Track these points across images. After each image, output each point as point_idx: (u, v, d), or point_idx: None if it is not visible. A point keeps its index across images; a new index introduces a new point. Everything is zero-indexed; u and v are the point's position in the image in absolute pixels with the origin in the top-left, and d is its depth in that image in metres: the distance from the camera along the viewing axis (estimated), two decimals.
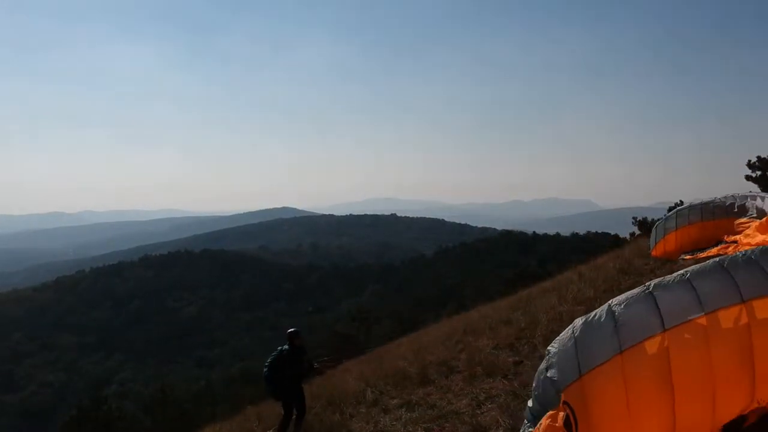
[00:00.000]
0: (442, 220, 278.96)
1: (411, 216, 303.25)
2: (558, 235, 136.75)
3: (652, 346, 4.01)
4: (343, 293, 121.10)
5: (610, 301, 4.25)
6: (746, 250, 4.32)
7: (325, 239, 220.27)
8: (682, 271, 4.23)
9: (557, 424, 4.15)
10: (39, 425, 69.36)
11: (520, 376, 8.22)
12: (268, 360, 9.42)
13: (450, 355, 11.00)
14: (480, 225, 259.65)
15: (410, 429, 7.79)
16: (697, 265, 4.29)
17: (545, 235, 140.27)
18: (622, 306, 4.16)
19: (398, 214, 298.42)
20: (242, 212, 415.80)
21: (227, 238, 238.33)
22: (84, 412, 33.77)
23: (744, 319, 4.02)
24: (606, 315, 4.18)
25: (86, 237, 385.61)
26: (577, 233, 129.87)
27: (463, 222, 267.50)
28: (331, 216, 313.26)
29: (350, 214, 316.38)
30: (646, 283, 4.23)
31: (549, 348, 4.43)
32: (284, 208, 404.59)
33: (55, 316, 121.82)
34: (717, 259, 4.28)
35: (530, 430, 4.51)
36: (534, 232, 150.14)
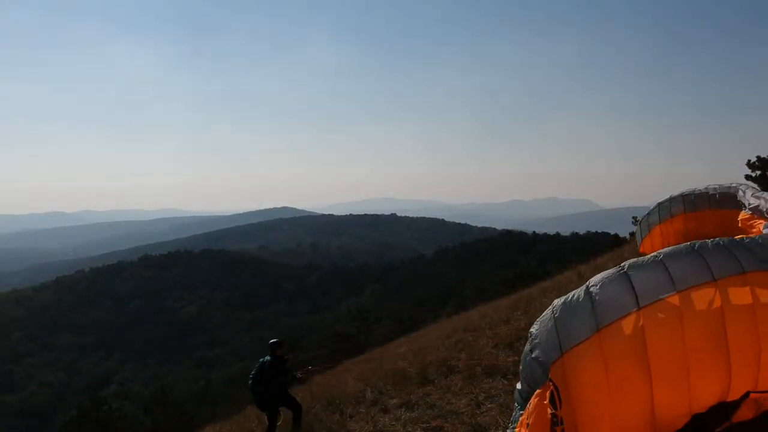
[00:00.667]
0: (442, 220, 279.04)
1: (411, 216, 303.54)
2: (558, 235, 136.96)
3: (628, 324, 4.08)
4: (343, 293, 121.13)
5: (587, 282, 4.31)
6: (715, 239, 4.42)
7: (325, 239, 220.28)
8: (655, 253, 4.31)
9: (545, 402, 4.21)
10: (39, 425, 69.32)
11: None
12: (252, 373, 9.46)
13: (450, 355, 11.00)
14: (480, 225, 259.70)
15: (410, 429, 7.79)
16: (669, 248, 4.37)
17: (545, 235, 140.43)
18: (598, 286, 4.21)
19: (398, 214, 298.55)
20: (242, 212, 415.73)
21: (227, 238, 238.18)
22: (84, 412, 33.85)
23: (717, 303, 4.07)
24: (584, 295, 4.24)
25: (86, 237, 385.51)
26: (577, 233, 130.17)
27: (463, 222, 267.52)
28: (331, 216, 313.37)
29: (350, 214, 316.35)
30: (621, 264, 4.30)
31: (531, 329, 4.52)
32: (284, 208, 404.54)
33: (55, 316, 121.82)
34: (688, 243, 4.36)
35: (520, 412, 4.56)
36: (534, 231, 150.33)
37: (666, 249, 4.36)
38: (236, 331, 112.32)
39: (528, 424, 4.33)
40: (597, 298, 4.15)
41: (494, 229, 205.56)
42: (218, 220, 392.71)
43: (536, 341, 4.41)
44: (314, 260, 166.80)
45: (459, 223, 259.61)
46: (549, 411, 4.20)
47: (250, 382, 9.45)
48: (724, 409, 4.26)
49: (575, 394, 4.13)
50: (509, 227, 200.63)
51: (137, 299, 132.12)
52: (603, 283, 4.22)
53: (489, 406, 7.57)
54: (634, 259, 4.33)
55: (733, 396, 4.19)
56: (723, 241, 4.33)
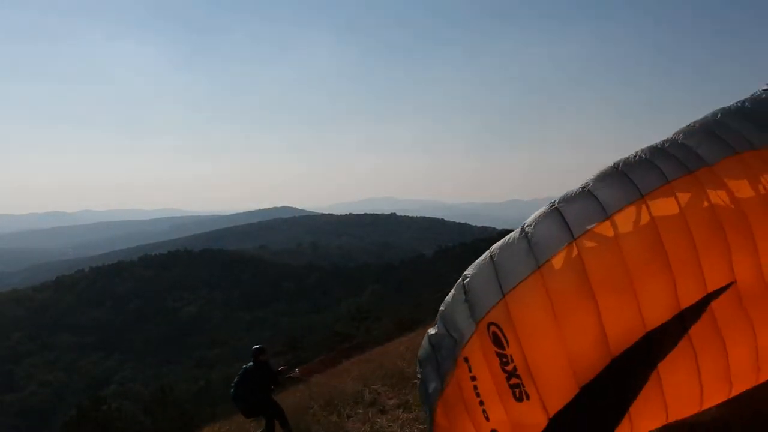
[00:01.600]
0: (442, 219, 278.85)
1: (411, 216, 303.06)
2: None
3: (565, 256, 4.27)
4: (343, 293, 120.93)
5: (522, 223, 4.53)
6: (637, 152, 4.58)
7: (325, 239, 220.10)
8: (582, 183, 4.53)
9: (486, 343, 4.40)
10: (39, 425, 69.31)
11: None
12: (234, 380, 9.21)
13: None
14: (480, 224, 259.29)
15: (407, 430, 7.82)
16: (594, 175, 4.59)
17: None
18: (533, 225, 4.46)
19: (398, 214, 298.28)
20: (242, 212, 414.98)
21: (227, 238, 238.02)
22: (84, 412, 33.87)
23: (646, 218, 4.26)
24: (519, 235, 4.49)
25: (86, 236, 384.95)
26: None
27: (462, 221, 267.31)
28: (331, 216, 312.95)
29: (350, 214, 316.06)
30: (552, 200, 4.51)
31: (465, 273, 4.65)
32: (284, 208, 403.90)
33: (55, 316, 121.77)
34: (612, 164, 4.58)
35: (445, 361, 4.71)
36: None
37: (592, 177, 4.57)
38: (236, 331, 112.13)
39: (474, 377, 4.50)
40: (533, 238, 4.38)
41: (494, 228, 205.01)
42: (218, 220, 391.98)
43: (470, 283, 4.60)
44: (314, 260, 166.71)
45: (459, 223, 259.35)
46: (494, 351, 4.37)
47: (231, 390, 9.16)
48: (680, 321, 4.32)
49: (523, 333, 4.28)
50: (509, 227, 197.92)
51: (137, 299, 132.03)
52: (537, 222, 4.47)
53: None
54: (564, 194, 4.54)
55: (686, 303, 4.30)
56: (644, 153, 4.53)
